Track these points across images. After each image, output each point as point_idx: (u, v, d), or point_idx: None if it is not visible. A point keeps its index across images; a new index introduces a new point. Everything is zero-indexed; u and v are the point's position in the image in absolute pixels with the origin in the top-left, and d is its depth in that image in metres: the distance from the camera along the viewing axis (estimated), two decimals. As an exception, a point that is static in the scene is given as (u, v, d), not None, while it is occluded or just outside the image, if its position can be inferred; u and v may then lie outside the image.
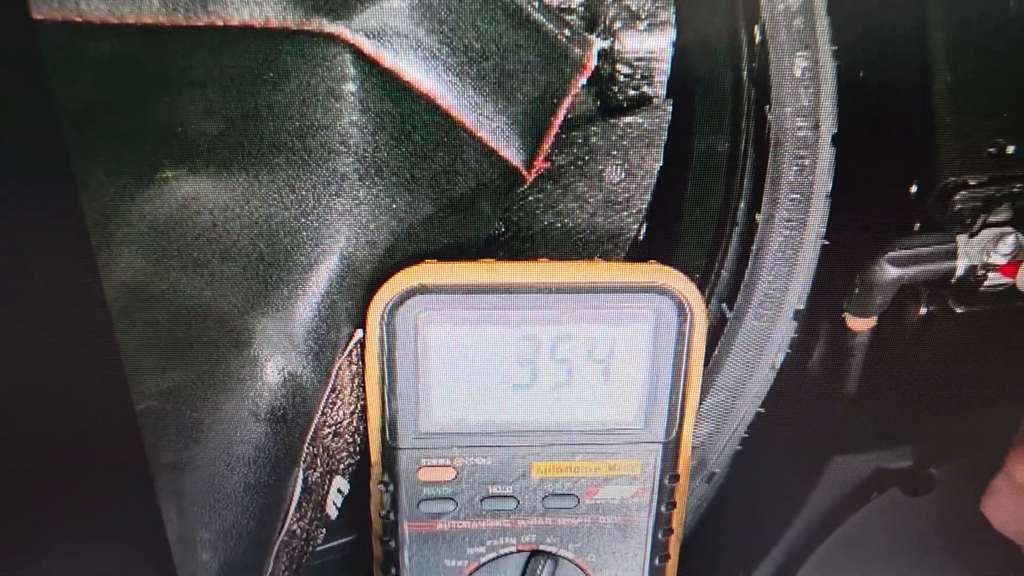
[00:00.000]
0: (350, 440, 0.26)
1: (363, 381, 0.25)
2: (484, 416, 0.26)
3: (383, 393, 0.25)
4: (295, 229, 0.23)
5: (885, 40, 0.27)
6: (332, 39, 0.22)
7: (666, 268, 0.25)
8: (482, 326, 0.24)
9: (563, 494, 0.27)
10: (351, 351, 0.25)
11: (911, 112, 0.27)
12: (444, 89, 0.23)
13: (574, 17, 0.24)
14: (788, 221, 0.25)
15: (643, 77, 0.24)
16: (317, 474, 0.26)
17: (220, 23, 0.22)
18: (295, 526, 0.26)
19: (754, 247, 0.26)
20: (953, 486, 0.29)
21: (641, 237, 0.26)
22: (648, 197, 0.25)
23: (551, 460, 0.26)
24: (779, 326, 0.26)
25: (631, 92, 0.25)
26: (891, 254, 0.26)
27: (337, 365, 0.25)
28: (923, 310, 0.27)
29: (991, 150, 0.27)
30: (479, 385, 0.25)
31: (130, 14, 0.21)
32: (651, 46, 0.23)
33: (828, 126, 0.25)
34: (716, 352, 0.26)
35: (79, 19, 0.21)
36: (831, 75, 0.24)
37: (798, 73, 0.24)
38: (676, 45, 0.24)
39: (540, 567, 0.27)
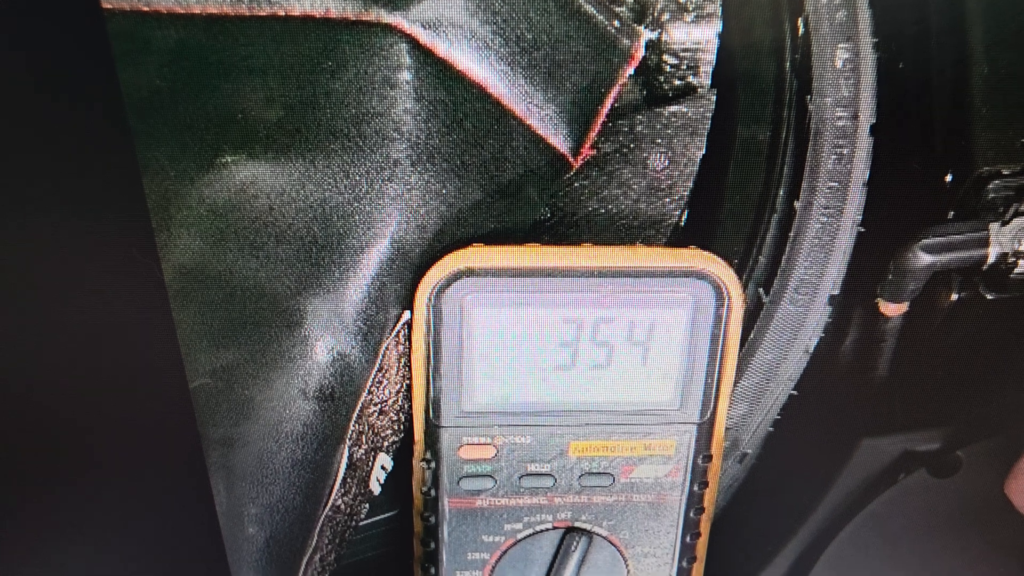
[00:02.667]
0: (395, 418, 0.27)
1: (409, 361, 0.26)
2: (524, 396, 0.26)
3: (428, 373, 0.26)
4: (348, 213, 0.24)
5: (924, 33, 0.27)
6: (389, 29, 0.23)
7: (705, 253, 0.25)
8: (525, 308, 0.25)
9: (599, 472, 0.27)
10: (399, 332, 0.26)
11: (947, 103, 0.27)
12: (495, 78, 0.23)
13: (623, 8, 0.25)
14: (826, 208, 0.26)
15: (689, 68, 0.24)
16: (362, 451, 0.27)
17: (282, 13, 0.22)
18: (339, 501, 0.27)
19: (792, 234, 0.26)
20: (978, 468, 0.30)
21: (683, 223, 0.27)
22: (690, 184, 0.26)
23: (588, 440, 0.27)
24: (814, 311, 0.27)
25: (677, 82, 0.25)
26: (924, 241, 0.27)
27: (384, 345, 0.26)
28: (954, 296, 0.28)
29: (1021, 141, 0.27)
30: (521, 366, 0.26)
31: (196, 4, 0.22)
32: (697, 37, 0.24)
33: (867, 116, 0.26)
34: (752, 335, 0.27)
35: (147, 8, 0.21)
36: (871, 67, 0.25)
37: (839, 64, 0.25)
38: (721, 36, 0.24)
39: (575, 543, 0.28)
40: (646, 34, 0.23)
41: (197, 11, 0.22)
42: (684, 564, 0.29)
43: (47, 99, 0.21)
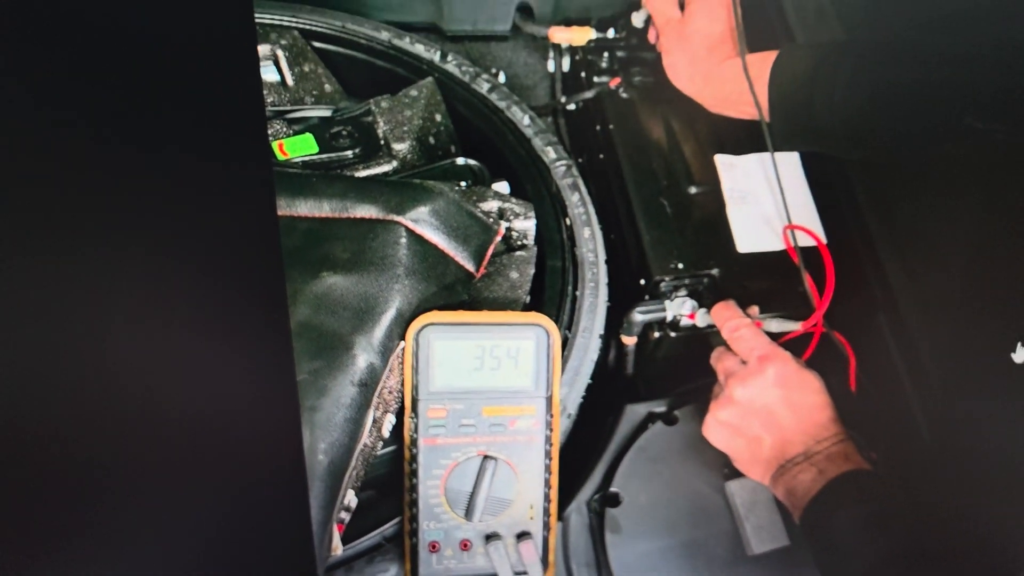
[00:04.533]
0: (397, 396, 0.54)
1: (403, 366, 0.54)
2: (460, 383, 0.54)
3: (412, 372, 0.54)
4: (377, 299, 0.54)
5: (617, 218, 0.64)
6: (396, 223, 0.55)
7: (541, 315, 0.56)
8: (458, 340, 0.54)
9: (498, 424, 0.54)
10: (399, 352, 0.54)
11: (635, 247, 0.62)
12: (444, 242, 0.56)
13: (495, 214, 0.59)
14: (591, 295, 0.59)
15: (524, 235, 0.58)
16: (379, 412, 0.53)
17: (352, 215, 0.54)
18: (367, 440, 0.52)
19: (577, 306, 0.58)
20: (687, 421, 0.59)
21: (527, 301, 0.58)
22: (528, 286, 0.58)
23: (492, 406, 0.54)
24: (592, 342, 0.58)
25: (519, 241, 0.59)
26: (638, 310, 0.60)
27: (392, 357, 0.54)
28: (656, 334, 0.60)
29: (675, 265, 0.62)
30: (457, 367, 0.54)
31: (304, 210, 0.53)
32: (526, 225, 0.58)
33: (602, 255, 0.60)
34: (566, 352, 0.57)
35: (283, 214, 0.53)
36: (600, 235, 0.60)
37: (587, 235, 0.60)
38: (537, 225, 0.59)
39: (489, 464, 0.53)
40: (504, 224, 0.57)
41: (304, 214, 0.54)
42: (546, 476, 0.54)
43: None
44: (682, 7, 0.68)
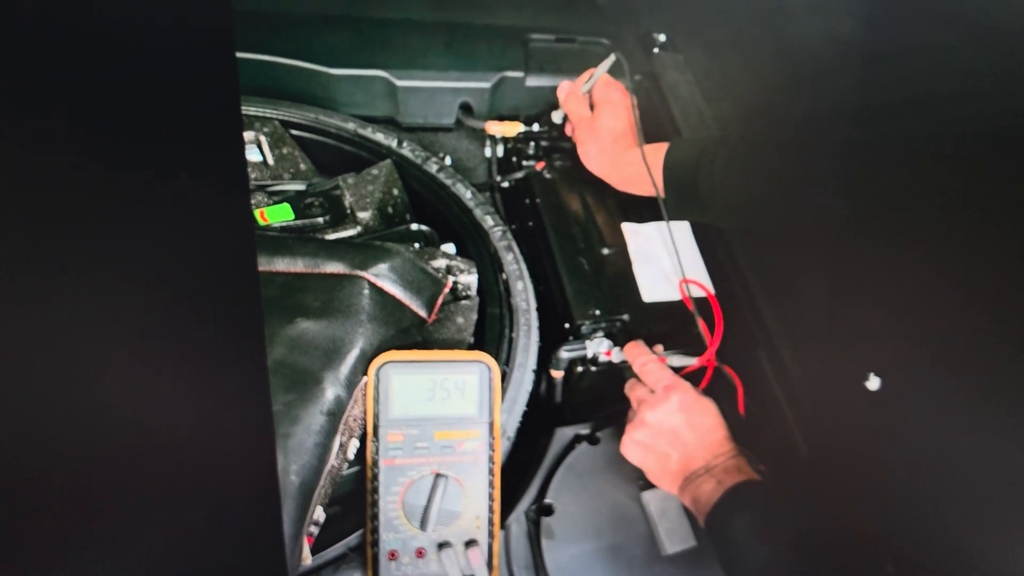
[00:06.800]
0: (360, 423, 0.62)
1: (366, 397, 0.63)
2: (415, 412, 0.63)
3: (374, 401, 0.63)
4: (343, 340, 0.63)
5: (543, 272, 0.77)
6: (359, 277, 0.66)
7: (483, 354, 0.67)
8: (412, 375, 0.64)
9: (448, 446, 0.63)
10: (363, 385, 0.63)
11: (560, 298, 0.75)
12: (401, 293, 0.66)
13: (443, 270, 0.70)
14: (525, 338, 0.70)
15: (467, 288, 0.70)
16: (345, 437, 0.61)
17: (323, 271, 0.65)
18: (334, 462, 0.60)
19: (514, 347, 0.69)
20: (608, 441, 0.70)
21: (472, 341, 0.69)
22: (472, 329, 0.68)
23: (443, 431, 0.64)
24: (526, 375, 0.69)
25: (463, 293, 0.70)
26: (564, 348, 0.72)
27: (356, 390, 0.63)
28: (579, 369, 0.72)
29: (593, 311, 0.75)
30: (412, 398, 0.63)
31: (280, 265, 0.63)
32: (469, 279, 0.70)
33: (533, 304, 0.72)
34: (505, 384, 0.68)
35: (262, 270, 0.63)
36: (531, 288, 0.72)
37: (520, 287, 0.72)
38: (479, 280, 0.70)
39: (440, 481, 0.62)
40: (451, 278, 0.69)
41: (281, 269, 0.64)
42: (490, 490, 0.63)
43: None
44: (592, 108, 0.84)
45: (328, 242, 0.67)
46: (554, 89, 0.88)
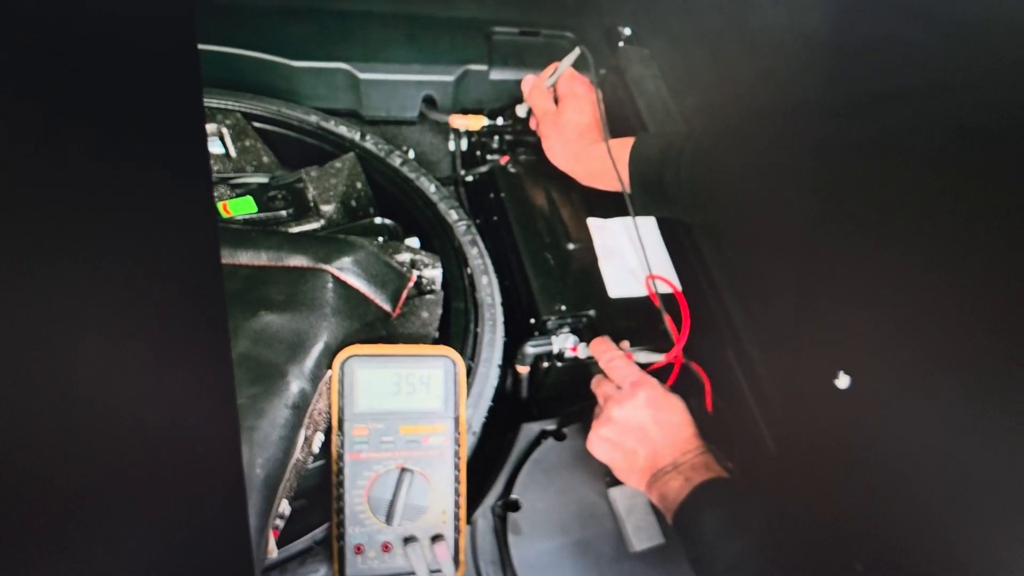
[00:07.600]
0: (325, 417, 0.62)
1: (331, 391, 0.62)
2: (380, 406, 0.63)
3: (339, 395, 0.62)
4: (308, 335, 0.62)
5: (510, 271, 0.77)
6: (323, 271, 0.65)
7: (448, 348, 0.66)
8: (377, 369, 0.63)
9: (413, 441, 0.63)
10: (328, 379, 0.62)
11: (527, 296, 0.75)
12: (365, 287, 0.66)
13: (407, 264, 0.70)
14: (490, 333, 0.70)
15: (431, 283, 0.69)
16: (310, 431, 0.60)
17: (287, 264, 0.63)
18: (299, 455, 0.59)
19: (479, 342, 0.69)
20: (575, 437, 0.70)
21: (437, 336, 0.68)
22: (437, 323, 0.68)
23: (409, 425, 0.63)
24: (492, 370, 0.69)
25: (428, 287, 0.69)
26: (529, 344, 0.72)
27: (321, 384, 0.62)
28: (545, 364, 0.72)
29: (559, 307, 0.75)
30: (377, 392, 0.63)
31: (243, 259, 0.62)
32: (433, 274, 0.69)
33: (498, 298, 0.72)
34: (470, 379, 0.68)
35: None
36: (496, 284, 0.72)
37: (484, 282, 0.72)
38: (443, 273, 0.70)
39: (406, 475, 0.62)
40: (415, 272, 0.68)
41: (245, 262, 0.62)
42: (456, 485, 0.63)
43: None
44: (556, 102, 0.84)
45: (292, 235, 0.66)
46: (518, 83, 0.88)
